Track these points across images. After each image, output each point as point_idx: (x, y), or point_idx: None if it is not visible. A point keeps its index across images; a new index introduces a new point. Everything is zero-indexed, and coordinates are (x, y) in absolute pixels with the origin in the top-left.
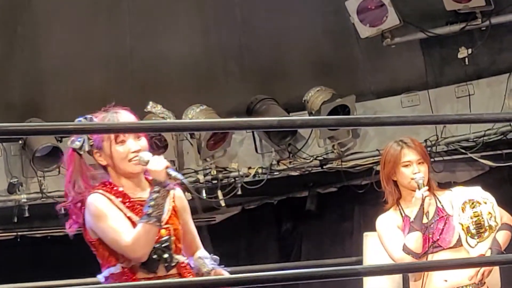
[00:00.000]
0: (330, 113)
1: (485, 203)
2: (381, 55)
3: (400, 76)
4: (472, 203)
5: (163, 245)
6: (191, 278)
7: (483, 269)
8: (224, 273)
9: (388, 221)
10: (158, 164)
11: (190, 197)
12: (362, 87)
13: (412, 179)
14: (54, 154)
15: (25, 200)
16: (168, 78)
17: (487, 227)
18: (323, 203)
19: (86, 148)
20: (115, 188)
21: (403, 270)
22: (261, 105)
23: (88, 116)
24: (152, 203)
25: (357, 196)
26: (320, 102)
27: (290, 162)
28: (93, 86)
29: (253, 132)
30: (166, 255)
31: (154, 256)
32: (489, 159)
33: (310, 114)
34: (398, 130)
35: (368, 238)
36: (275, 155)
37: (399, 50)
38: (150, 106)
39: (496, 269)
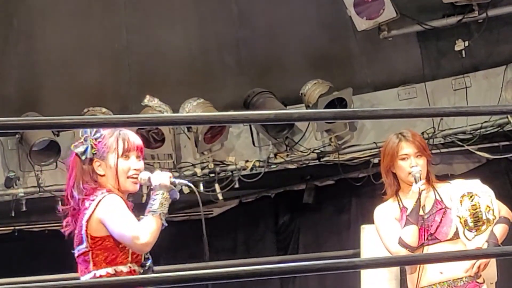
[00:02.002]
0: (327, 106)
1: (484, 196)
2: (378, 48)
3: (397, 68)
4: (471, 196)
5: (152, 259)
6: (188, 272)
7: (479, 261)
8: None
9: (385, 213)
10: (162, 174)
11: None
12: (359, 80)
13: (410, 172)
14: (51, 148)
15: (22, 194)
16: (165, 71)
17: (485, 220)
18: (320, 196)
19: (88, 155)
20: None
21: (401, 262)
22: (258, 98)
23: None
24: (157, 201)
25: (354, 188)
26: (317, 95)
27: (287, 155)
28: (89, 79)
29: (250, 125)
30: (154, 268)
31: (150, 266)
32: (486, 151)
33: (307, 107)
34: (395, 123)
35: (365, 231)
36: (272, 148)
37: (396, 43)
38: (147, 100)
39: (493, 263)
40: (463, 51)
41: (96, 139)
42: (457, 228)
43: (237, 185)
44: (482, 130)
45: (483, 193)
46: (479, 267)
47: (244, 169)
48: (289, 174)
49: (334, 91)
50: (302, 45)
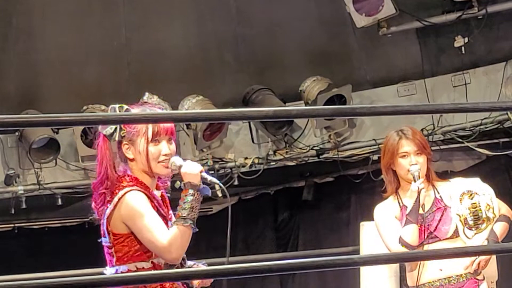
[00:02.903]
0: (326, 103)
1: (484, 194)
2: (377, 45)
3: (396, 65)
4: (470, 194)
5: None
6: (191, 269)
7: (478, 258)
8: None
9: (385, 211)
10: (193, 168)
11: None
12: (358, 77)
13: (409, 170)
14: (51, 146)
15: (22, 192)
16: (164, 69)
17: (485, 219)
18: (319, 193)
19: (117, 137)
20: (144, 186)
21: (400, 259)
22: (257, 95)
23: (125, 106)
24: (188, 205)
25: (354, 185)
26: (316, 92)
27: (286, 152)
28: (88, 77)
29: (249, 122)
30: (184, 257)
31: None
32: (485, 148)
33: (306, 104)
34: (395, 120)
35: (365, 228)
36: (271, 145)
37: (395, 39)
38: (146, 97)
39: (493, 261)
40: (463, 48)
41: None
42: (456, 227)
43: (236, 182)
44: (482, 126)
45: (483, 192)
46: (478, 264)
47: (243, 166)
48: (289, 171)
49: (333, 88)
50: (301, 41)
